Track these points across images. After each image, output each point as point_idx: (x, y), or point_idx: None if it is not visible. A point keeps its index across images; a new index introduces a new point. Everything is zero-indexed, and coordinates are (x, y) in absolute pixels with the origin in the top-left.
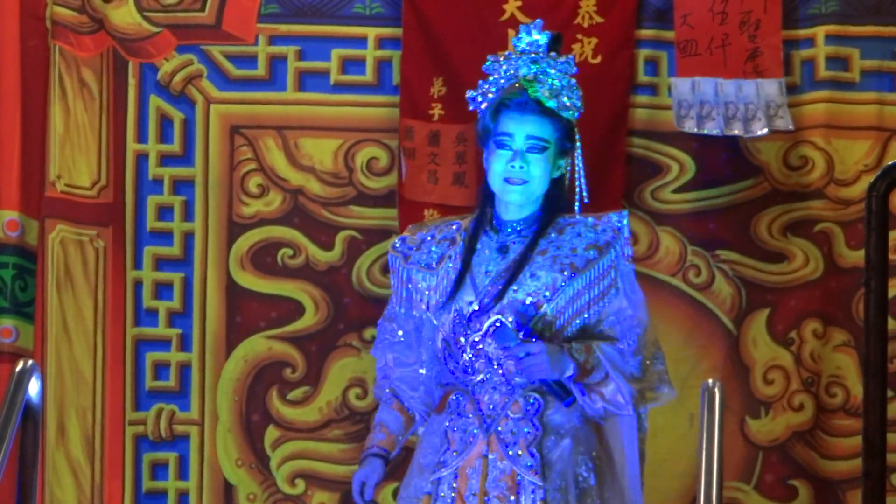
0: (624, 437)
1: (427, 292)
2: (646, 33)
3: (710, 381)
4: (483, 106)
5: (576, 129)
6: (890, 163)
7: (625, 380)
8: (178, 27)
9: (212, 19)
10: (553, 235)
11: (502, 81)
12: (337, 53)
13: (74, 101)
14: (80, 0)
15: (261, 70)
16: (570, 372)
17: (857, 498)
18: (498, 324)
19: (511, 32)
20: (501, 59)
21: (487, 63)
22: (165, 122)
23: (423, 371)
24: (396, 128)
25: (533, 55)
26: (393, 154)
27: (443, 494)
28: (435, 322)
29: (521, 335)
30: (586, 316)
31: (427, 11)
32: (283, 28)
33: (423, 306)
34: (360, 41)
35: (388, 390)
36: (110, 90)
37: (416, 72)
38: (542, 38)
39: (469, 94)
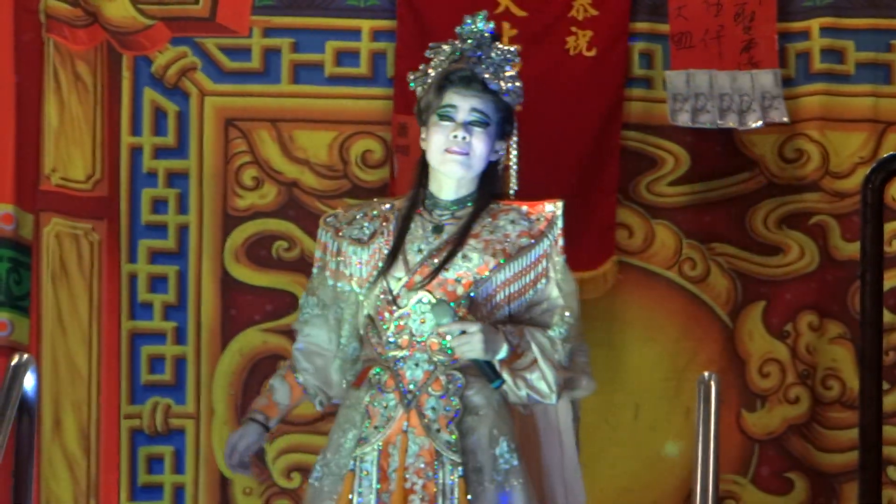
0: (562, 425)
1: (357, 265)
2: (640, 26)
3: (706, 374)
4: (425, 86)
5: (514, 117)
6: (885, 155)
7: (552, 367)
8: (172, 20)
9: (206, 12)
10: (487, 220)
11: (446, 62)
12: (331, 46)
13: (69, 95)
14: None
15: (255, 62)
16: (503, 354)
17: (854, 491)
18: (434, 301)
19: (506, 25)
20: (444, 45)
21: (429, 50)
22: (160, 115)
23: (330, 347)
24: (391, 121)
25: (477, 41)
26: (388, 147)
27: (366, 472)
28: (361, 296)
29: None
30: (515, 304)
31: (421, 4)
32: (278, 20)
33: (352, 280)
34: (355, 33)
35: (286, 363)
36: (104, 83)
37: (410, 66)
38: (486, 27)
39: (409, 75)
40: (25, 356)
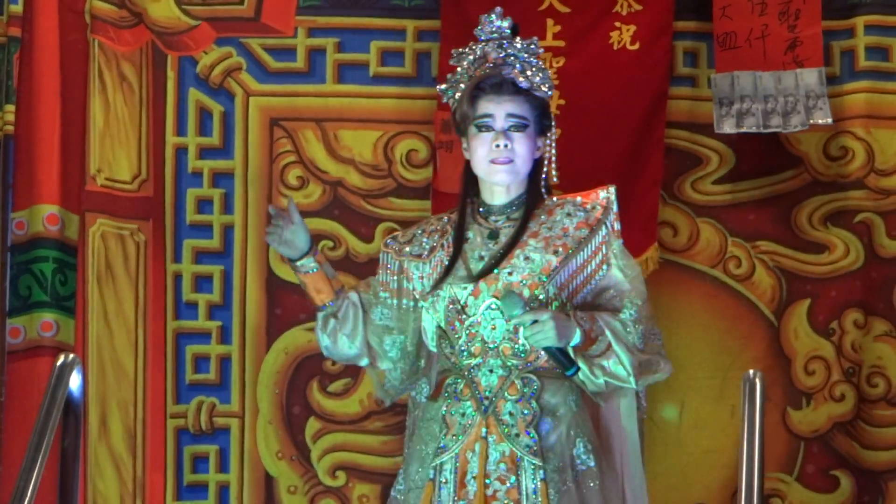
0: (624, 418)
1: (420, 279)
2: (685, 25)
3: (752, 371)
4: (457, 96)
5: (549, 111)
6: None
7: (627, 350)
8: (217, 20)
9: (251, 12)
10: (543, 217)
11: (472, 68)
12: (376, 45)
13: (114, 95)
14: None
15: (300, 62)
16: (576, 339)
17: None
18: (504, 293)
19: (550, 22)
20: (466, 49)
21: (453, 56)
22: (205, 115)
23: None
24: (433, 118)
25: (499, 41)
26: (432, 146)
27: (444, 479)
28: (427, 309)
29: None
30: (581, 295)
31: (465, 3)
32: (322, 20)
33: (416, 294)
34: (399, 33)
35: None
36: (150, 84)
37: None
38: (505, 24)
39: (440, 88)
40: (71, 356)
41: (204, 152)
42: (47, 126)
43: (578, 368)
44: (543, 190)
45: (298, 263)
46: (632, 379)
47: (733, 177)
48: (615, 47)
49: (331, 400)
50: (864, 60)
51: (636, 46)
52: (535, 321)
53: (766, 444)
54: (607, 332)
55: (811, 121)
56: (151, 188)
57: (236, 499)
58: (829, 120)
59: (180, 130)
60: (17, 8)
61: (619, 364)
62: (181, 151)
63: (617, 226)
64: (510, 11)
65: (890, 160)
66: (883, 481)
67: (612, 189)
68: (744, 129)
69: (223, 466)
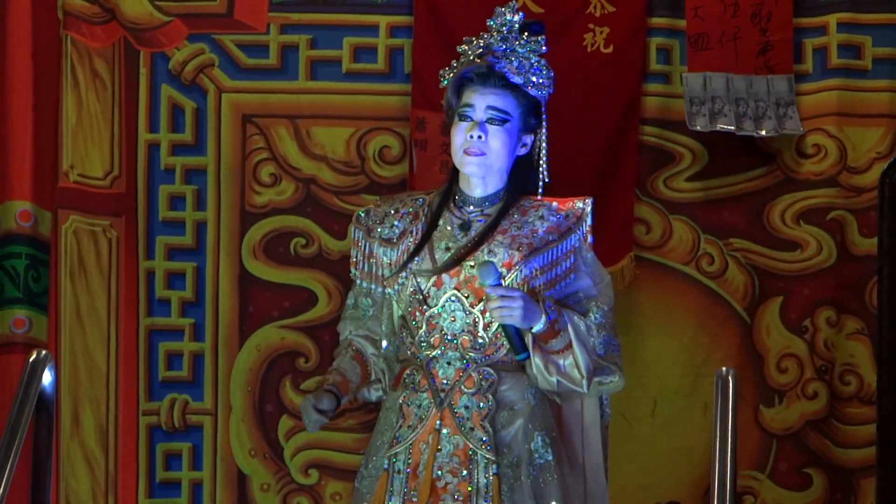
0: (586, 423)
1: (388, 266)
2: (658, 21)
3: (724, 369)
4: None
5: (543, 108)
6: None
7: (586, 352)
8: (190, 16)
9: (223, 8)
10: (516, 216)
11: (472, 57)
12: (348, 42)
13: (87, 92)
14: None
15: (272, 59)
16: (539, 326)
17: (872, 486)
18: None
19: None
20: (474, 39)
21: (462, 45)
22: (177, 112)
23: (384, 344)
24: (409, 116)
25: (504, 33)
26: (405, 142)
27: (398, 470)
28: (393, 297)
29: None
30: (547, 295)
31: (437, 0)
32: (295, 17)
33: (383, 281)
34: (372, 29)
35: (347, 346)
36: (122, 80)
37: (428, 62)
38: (516, 18)
39: (441, 72)
40: (43, 352)
41: (176, 149)
42: (20, 122)
43: (529, 355)
44: (541, 188)
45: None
46: (585, 382)
47: (706, 174)
48: (589, 49)
49: (303, 397)
50: (837, 58)
51: (610, 49)
52: (506, 296)
53: (738, 442)
54: (570, 329)
55: (782, 130)
56: (124, 185)
57: (209, 497)
58: (800, 129)
59: (153, 127)
60: None
61: (574, 367)
62: (154, 148)
63: (590, 238)
64: (482, 9)
65: (862, 158)
66: (855, 479)
67: (588, 201)
68: (717, 128)
69: (196, 464)
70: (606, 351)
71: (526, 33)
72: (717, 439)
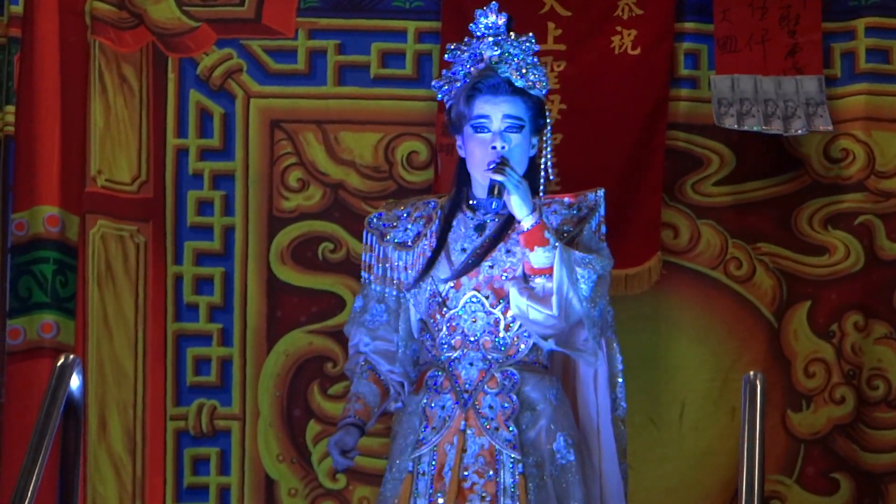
0: (601, 416)
1: (404, 270)
2: (686, 26)
3: (752, 373)
4: (452, 93)
5: (546, 106)
6: None
7: (568, 279)
8: (218, 21)
9: (251, 13)
10: None
11: (468, 65)
12: (376, 47)
13: (114, 97)
14: None
15: (300, 64)
16: (527, 216)
17: None
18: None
19: (551, 25)
20: (462, 45)
21: (448, 52)
22: (205, 117)
23: (399, 349)
24: (435, 120)
25: (494, 37)
26: (433, 148)
27: (422, 472)
28: (411, 301)
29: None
30: None
31: (466, 5)
32: (323, 22)
33: (400, 285)
34: (400, 35)
35: (362, 363)
36: (150, 85)
37: None
38: (501, 20)
39: (434, 84)
40: (71, 357)
41: (204, 154)
42: (48, 127)
43: (504, 205)
44: (542, 187)
45: None
46: (557, 310)
47: (734, 178)
48: (616, 52)
49: (331, 402)
50: (865, 63)
51: (637, 52)
52: (519, 183)
53: (766, 446)
54: (560, 250)
55: (812, 127)
56: (152, 190)
57: (237, 501)
58: (830, 127)
59: (181, 132)
60: (18, 9)
61: (553, 293)
62: (182, 153)
63: (603, 229)
64: (511, 14)
65: (890, 162)
66: (883, 484)
67: (600, 192)
68: (745, 128)
69: (224, 469)
70: (593, 301)
71: (513, 33)
72: (745, 444)
